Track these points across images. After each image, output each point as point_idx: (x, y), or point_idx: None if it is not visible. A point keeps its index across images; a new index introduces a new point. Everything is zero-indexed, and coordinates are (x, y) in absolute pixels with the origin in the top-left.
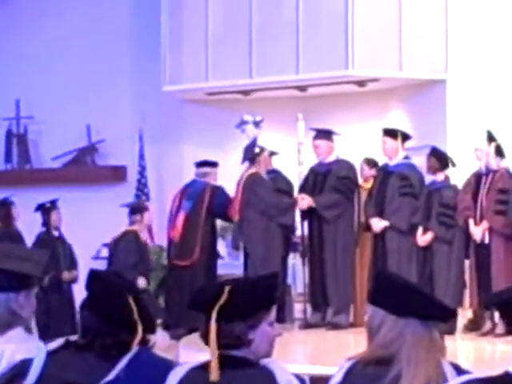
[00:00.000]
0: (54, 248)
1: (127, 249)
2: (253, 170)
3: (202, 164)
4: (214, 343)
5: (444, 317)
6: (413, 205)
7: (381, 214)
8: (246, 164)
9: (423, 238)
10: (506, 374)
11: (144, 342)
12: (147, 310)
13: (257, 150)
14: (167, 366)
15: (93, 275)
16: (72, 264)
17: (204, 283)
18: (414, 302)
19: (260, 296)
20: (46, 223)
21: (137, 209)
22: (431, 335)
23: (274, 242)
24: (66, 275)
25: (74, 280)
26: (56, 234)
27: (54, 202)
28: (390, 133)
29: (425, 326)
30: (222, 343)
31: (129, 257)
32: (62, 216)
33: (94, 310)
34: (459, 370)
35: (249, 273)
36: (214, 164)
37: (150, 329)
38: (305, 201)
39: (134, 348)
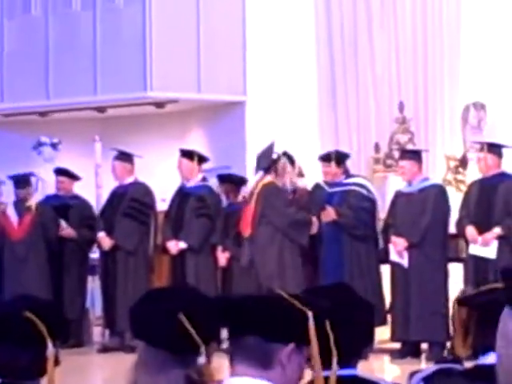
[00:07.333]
0: None
1: None
2: (268, 180)
3: None
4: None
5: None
6: (208, 226)
7: (178, 236)
8: (260, 173)
9: (221, 256)
10: None
11: None
12: None
13: (274, 156)
14: None
15: None
16: None
17: None
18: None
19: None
20: None
21: None
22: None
23: (290, 259)
24: None
25: None
26: None
27: None
28: (187, 154)
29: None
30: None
31: None
32: None
33: None
34: None
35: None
36: None
37: None
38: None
39: None
